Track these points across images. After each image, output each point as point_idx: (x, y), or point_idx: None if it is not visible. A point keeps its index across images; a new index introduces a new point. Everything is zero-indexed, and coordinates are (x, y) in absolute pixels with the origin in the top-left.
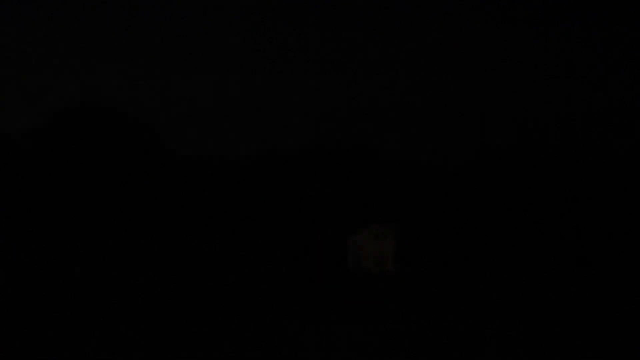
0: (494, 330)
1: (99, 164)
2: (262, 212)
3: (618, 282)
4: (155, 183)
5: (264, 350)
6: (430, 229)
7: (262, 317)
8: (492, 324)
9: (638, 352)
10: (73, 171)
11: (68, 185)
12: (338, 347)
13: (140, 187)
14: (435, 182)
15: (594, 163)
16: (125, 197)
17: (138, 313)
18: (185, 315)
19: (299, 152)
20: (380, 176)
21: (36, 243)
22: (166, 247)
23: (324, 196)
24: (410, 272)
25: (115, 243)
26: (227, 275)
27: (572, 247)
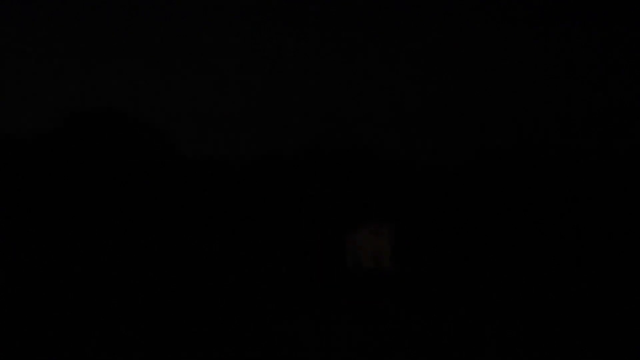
0: (491, 326)
1: (108, 166)
2: (261, 211)
3: (618, 282)
4: (159, 184)
5: (264, 350)
6: (427, 228)
7: (262, 317)
8: (489, 319)
9: (638, 352)
10: (83, 173)
11: (76, 187)
12: (338, 344)
13: (143, 187)
14: (432, 181)
15: (594, 163)
16: (126, 197)
17: (138, 313)
18: (185, 315)
19: (298, 152)
20: (378, 176)
21: (41, 243)
22: (166, 247)
23: (323, 196)
24: (407, 269)
25: (115, 243)
26: (227, 275)
27: (571, 246)
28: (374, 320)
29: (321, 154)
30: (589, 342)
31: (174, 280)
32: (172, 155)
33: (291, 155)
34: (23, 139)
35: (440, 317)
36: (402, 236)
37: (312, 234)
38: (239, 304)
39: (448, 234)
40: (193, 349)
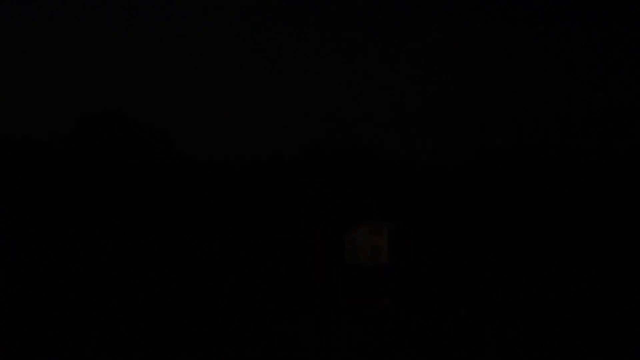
0: (488, 323)
1: (116, 166)
2: (265, 210)
3: (618, 282)
4: (163, 183)
5: (264, 350)
6: (421, 225)
7: (262, 317)
8: (486, 317)
9: (638, 352)
10: (93, 173)
11: (86, 186)
12: (338, 344)
13: (146, 187)
14: (429, 181)
15: (594, 163)
16: (128, 198)
17: (138, 313)
18: (185, 315)
19: (299, 153)
20: (376, 176)
21: (44, 242)
22: (166, 247)
23: (324, 195)
24: (402, 265)
25: (116, 243)
26: (227, 275)
27: (571, 245)
28: (374, 320)
29: (322, 154)
30: (589, 341)
31: (174, 280)
32: (176, 156)
33: (292, 156)
34: (37, 139)
35: (430, 306)
36: (399, 234)
37: (314, 232)
38: (239, 304)
39: (444, 232)
40: (193, 349)
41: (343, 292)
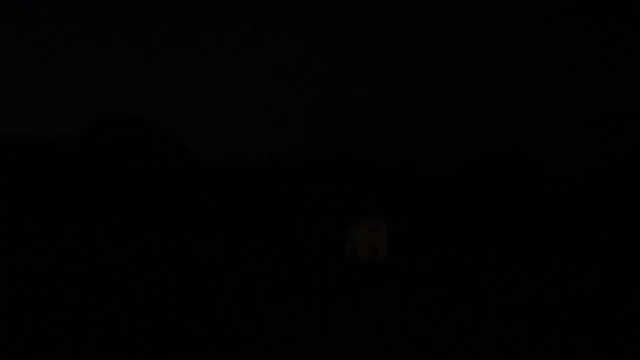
0: (486, 321)
1: (123, 167)
2: (265, 210)
3: (618, 282)
4: (165, 183)
5: (264, 350)
6: (418, 223)
7: (262, 317)
8: (484, 314)
9: (638, 352)
10: (101, 173)
11: (91, 186)
12: (338, 344)
13: (148, 187)
14: (424, 181)
15: (594, 163)
16: (129, 198)
17: (138, 313)
18: (185, 315)
19: (298, 153)
20: (375, 176)
21: (48, 242)
22: (166, 247)
23: (324, 194)
24: (400, 261)
25: (116, 243)
26: (227, 275)
27: (570, 245)
28: (374, 320)
29: (321, 154)
30: (589, 341)
31: (174, 280)
32: (180, 156)
33: (292, 156)
34: (59, 141)
35: (425, 298)
36: (397, 232)
37: (314, 230)
38: (239, 304)
39: (441, 230)
40: (193, 349)
41: (343, 289)
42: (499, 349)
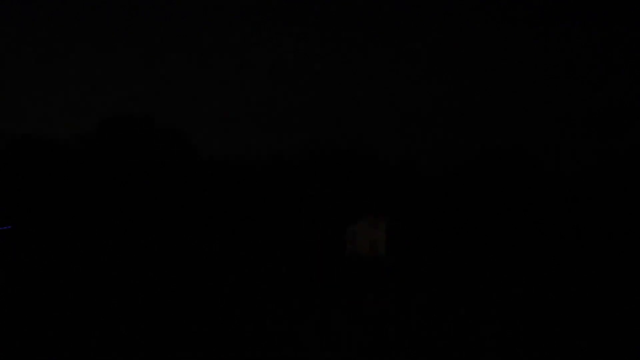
0: (474, 307)
1: (135, 168)
2: (267, 207)
3: (618, 282)
4: (173, 185)
5: (264, 350)
6: (416, 220)
7: (262, 317)
8: (482, 311)
9: (638, 352)
10: (113, 174)
11: (92, 188)
12: (338, 344)
13: (149, 188)
14: (422, 179)
15: (593, 163)
16: (131, 198)
17: (138, 313)
18: (185, 315)
19: (300, 152)
20: (374, 174)
21: (50, 242)
22: (166, 247)
23: (326, 192)
24: (398, 257)
25: (116, 243)
26: (227, 275)
27: (570, 245)
28: (374, 320)
29: (322, 153)
30: (589, 341)
31: (174, 280)
32: (185, 157)
33: (293, 155)
34: (70, 143)
35: (422, 292)
36: (395, 228)
37: (316, 226)
38: (239, 304)
39: (437, 227)
40: (193, 349)
41: (343, 287)
42: (499, 349)
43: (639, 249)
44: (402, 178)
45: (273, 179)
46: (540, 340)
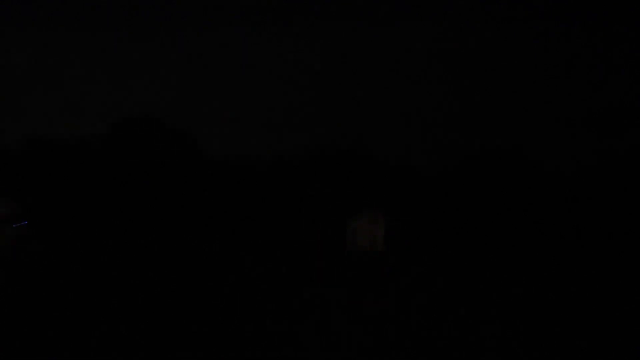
0: (468, 299)
1: (146, 169)
2: (270, 206)
3: (618, 282)
4: (177, 185)
5: (264, 350)
6: (414, 217)
7: (262, 317)
8: (479, 308)
9: (638, 352)
10: (123, 174)
11: (113, 188)
12: (338, 344)
13: (151, 189)
14: (420, 178)
15: (593, 163)
16: (133, 198)
17: (138, 313)
18: (185, 315)
19: (302, 152)
20: (375, 173)
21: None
22: (166, 247)
23: (327, 190)
24: (397, 251)
25: (116, 243)
26: (227, 275)
27: (570, 245)
28: (374, 320)
29: (324, 153)
30: (589, 341)
31: (174, 280)
32: (192, 158)
33: (295, 155)
34: (83, 144)
35: (419, 284)
36: (394, 225)
37: (319, 223)
38: (239, 304)
39: (433, 224)
40: (193, 349)
41: (343, 285)
42: (499, 349)
43: (639, 249)
44: (401, 176)
45: (274, 178)
46: (540, 340)
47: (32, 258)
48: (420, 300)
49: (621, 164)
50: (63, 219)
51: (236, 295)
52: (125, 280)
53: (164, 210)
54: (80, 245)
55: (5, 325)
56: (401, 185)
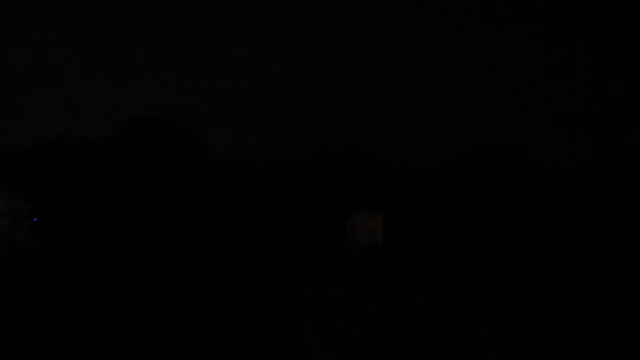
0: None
1: (154, 166)
2: (274, 204)
3: (618, 282)
4: (178, 185)
5: (264, 350)
6: (409, 213)
7: (262, 317)
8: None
9: (638, 352)
10: (135, 171)
11: (125, 184)
12: (338, 344)
13: (151, 188)
14: (416, 176)
15: (593, 163)
16: (133, 198)
17: (138, 313)
18: (185, 315)
19: (308, 152)
20: (373, 172)
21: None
22: (166, 247)
23: (329, 187)
24: (394, 244)
25: (116, 243)
26: (227, 275)
27: (569, 245)
28: (374, 320)
29: (327, 153)
30: (589, 341)
31: (174, 280)
32: (208, 160)
33: (301, 155)
34: (97, 142)
35: (415, 275)
36: (391, 220)
37: (320, 218)
38: (239, 304)
39: (428, 219)
40: (193, 349)
41: (343, 280)
42: (499, 349)
43: (639, 249)
44: (399, 175)
45: (275, 178)
46: (540, 340)
47: (32, 258)
48: (420, 300)
49: (621, 163)
50: (70, 217)
51: (236, 295)
52: (125, 280)
53: (165, 210)
54: (81, 244)
55: (5, 325)
56: (399, 183)
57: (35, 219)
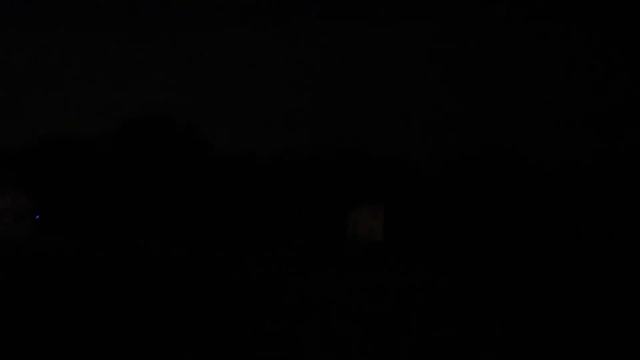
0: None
1: (156, 165)
2: (277, 200)
3: (618, 282)
4: (188, 181)
5: (264, 350)
6: (410, 211)
7: (262, 317)
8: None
9: (638, 352)
10: (136, 171)
11: (125, 184)
12: (338, 344)
13: (152, 188)
14: (416, 174)
15: (593, 163)
16: (134, 198)
17: (138, 313)
18: (185, 315)
19: (308, 150)
20: (373, 169)
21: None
22: (166, 247)
23: (330, 185)
24: (394, 241)
25: (116, 242)
26: (227, 275)
27: (569, 245)
28: (374, 320)
29: (328, 151)
30: (589, 341)
31: (174, 280)
32: (203, 155)
33: (303, 154)
34: (97, 141)
35: (415, 271)
36: (391, 217)
37: (321, 215)
38: (239, 304)
39: (428, 216)
40: (193, 349)
41: (344, 260)
42: (499, 349)
43: (639, 249)
44: (399, 173)
45: (276, 176)
46: (540, 340)
47: (33, 258)
48: (420, 300)
49: (621, 163)
50: (71, 215)
51: (236, 295)
52: (125, 280)
53: (165, 208)
54: (82, 242)
55: (6, 325)
56: (400, 181)
57: (38, 217)
